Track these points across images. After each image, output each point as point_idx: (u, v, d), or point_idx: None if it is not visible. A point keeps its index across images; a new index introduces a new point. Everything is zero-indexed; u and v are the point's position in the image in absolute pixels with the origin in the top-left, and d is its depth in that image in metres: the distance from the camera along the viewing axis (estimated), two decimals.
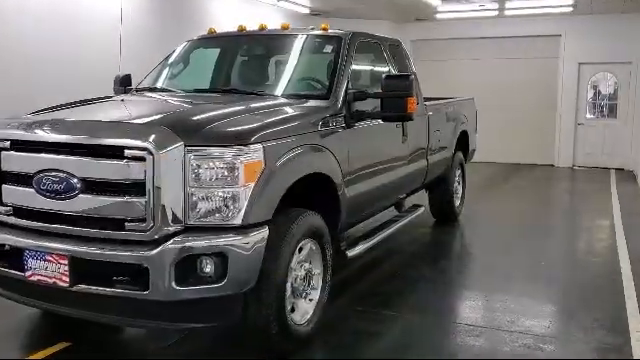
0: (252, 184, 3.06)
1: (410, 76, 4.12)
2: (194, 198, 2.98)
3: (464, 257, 6.13)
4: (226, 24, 6.98)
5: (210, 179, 2.99)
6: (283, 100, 4.05)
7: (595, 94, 12.73)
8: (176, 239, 2.95)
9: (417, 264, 5.55)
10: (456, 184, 7.19)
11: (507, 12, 12.25)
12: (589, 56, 12.36)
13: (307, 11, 11.86)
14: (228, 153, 3.01)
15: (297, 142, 3.47)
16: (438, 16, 12.76)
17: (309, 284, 3.65)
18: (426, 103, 6.00)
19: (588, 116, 12.73)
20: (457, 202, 7.29)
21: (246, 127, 3.21)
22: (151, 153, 2.92)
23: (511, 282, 5.01)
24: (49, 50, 6.85)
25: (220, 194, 3.00)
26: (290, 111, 3.78)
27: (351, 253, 4.28)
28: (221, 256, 2.97)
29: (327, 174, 3.78)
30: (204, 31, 5.22)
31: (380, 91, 4.14)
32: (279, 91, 4.25)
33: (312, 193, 3.85)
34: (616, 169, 12.26)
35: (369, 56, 5.05)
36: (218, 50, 5.01)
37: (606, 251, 6.08)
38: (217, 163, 2.99)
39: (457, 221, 7.25)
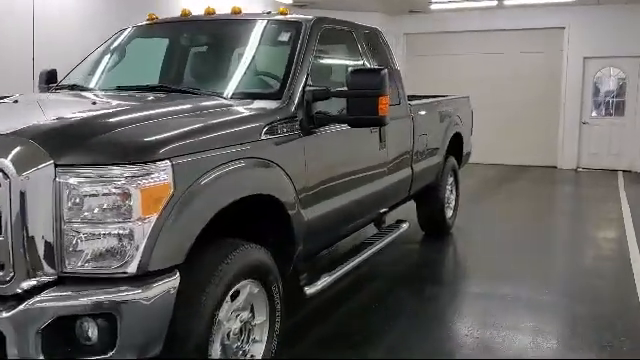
0: (154, 216, 2.25)
1: (382, 70, 3.31)
2: (71, 237, 2.17)
3: (456, 281, 5.28)
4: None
5: (93, 211, 2.18)
6: (221, 100, 3.22)
7: (601, 91, 11.89)
8: (45, 294, 2.15)
9: (400, 292, 4.73)
10: (448, 193, 6.37)
11: (507, 2, 11.41)
12: (595, 50, 11.53)
13: (290, 1, 11.04)
14: (118, 174, 2.19)
15: (227, 156, 2.65)
16: (433, 7, 11.93)
17: (249, 338, 2.84)
18: (411, 102, 5.18)
19: (593, 114, 11.90)
20: (449, 213, 6.47)
21: (149, 138, 2.38)
22: (7, 176, 2.12)
23: (511, 314, 4.21)
24: None
25: (107, 232, 2.19)
26: (223, 115, 2.96)
27: (311, 290, 3.46)
28: (108, 317, 2.17)
29: (273, 195, 2.97)
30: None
31: (346, 89, 3.33)
32: (221, 89, 3.43)
33: (257, 218, 3.06)
34: (624, 171, 11.44)
35: (338, 47, 4.24)
36: (159, 40, 4.19)
37: (620, 273, 5.27)
38: (103, 188, 2.18)
39: (449, 234, 6.44)
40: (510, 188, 9.98)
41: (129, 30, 4.21)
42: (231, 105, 3.12)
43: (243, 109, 3.09)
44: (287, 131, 3.16)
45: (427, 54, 12.72)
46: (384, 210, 4.83)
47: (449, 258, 5.95)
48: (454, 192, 6.61)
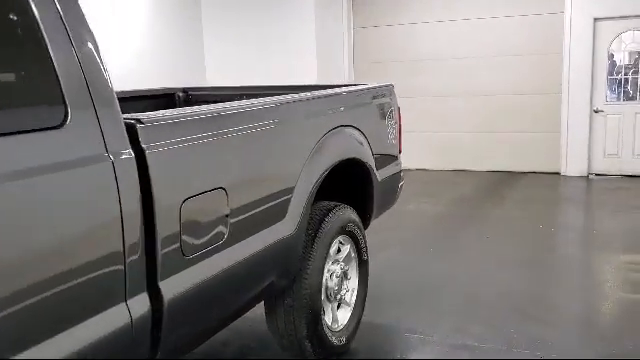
0: None
1: None
2: None
3: None
4: None
5: None
6: None
7: (619, 65, 8.57)
8: None
9: None
10: (334, 282, 3.18)
11: None
12: (609, 8, 8.21)
13: None
14: None
15: None
16: None
17: None
18: (141, 118, 1.97)
19: (609, 99, 8.59)
20: (342, 320, 3.27)
21: None
22: None
23: None
24: None
25: None
26: None
27: None
28: None
29: None
30: None
31: None
32: None
33: None
34: None
35: None
36: None
37: None
38: None
39: None
40: (488, 218, 6.54)
41: None
42: None
43: None
44: None
45: (380, 24, 9.43)
46: None
47: None
48: (355, 275, 3.40)
